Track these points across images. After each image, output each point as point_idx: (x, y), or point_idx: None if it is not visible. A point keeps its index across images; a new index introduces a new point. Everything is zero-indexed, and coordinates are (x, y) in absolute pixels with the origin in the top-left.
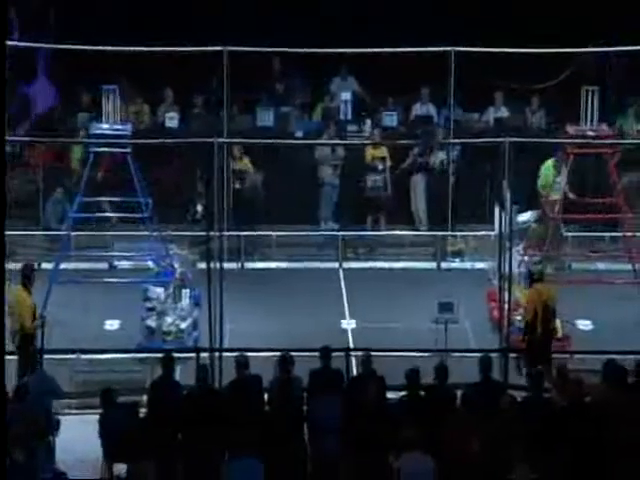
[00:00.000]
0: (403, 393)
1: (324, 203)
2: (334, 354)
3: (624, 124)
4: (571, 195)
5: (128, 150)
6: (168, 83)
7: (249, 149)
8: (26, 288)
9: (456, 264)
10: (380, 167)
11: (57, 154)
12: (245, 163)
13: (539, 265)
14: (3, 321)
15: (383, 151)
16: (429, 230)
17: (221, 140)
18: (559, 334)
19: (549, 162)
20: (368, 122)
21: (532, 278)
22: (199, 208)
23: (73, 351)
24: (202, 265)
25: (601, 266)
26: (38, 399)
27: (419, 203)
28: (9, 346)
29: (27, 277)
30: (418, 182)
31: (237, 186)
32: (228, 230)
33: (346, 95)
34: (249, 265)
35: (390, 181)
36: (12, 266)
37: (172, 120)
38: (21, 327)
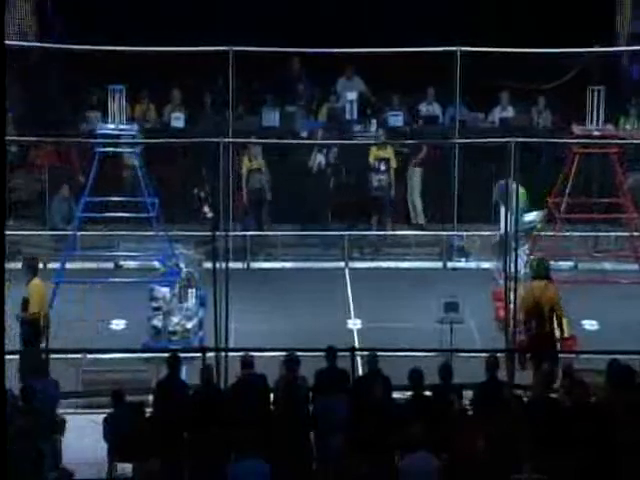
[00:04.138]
0: (409, 393)
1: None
2: (340, 354)
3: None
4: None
5: (134, 150)
6: (174, 83)
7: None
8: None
9: (462, 264)
10: (383, 168)
11: (62, 154)
12: (261, 163)
13: (535, 262)
14: (3, 321)
15: (388, 152)
16: (429, 227)
17: (227, 140)
18: (561, 335)
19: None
20: (374, 122)
21: (532, 275)
22: (206, 208)
23: (79, 351)
24: (208, 265)
25: (607, 266)
26: (44, 400)
27: (415, 197)
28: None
29: (36, 269)
30: (413, 176)
31: (257, 186)
32: (234, 230)
33: (352, 95)
34: (255, 265)
35: (394, 182)
36: (13, 265)
37: (178, 120)
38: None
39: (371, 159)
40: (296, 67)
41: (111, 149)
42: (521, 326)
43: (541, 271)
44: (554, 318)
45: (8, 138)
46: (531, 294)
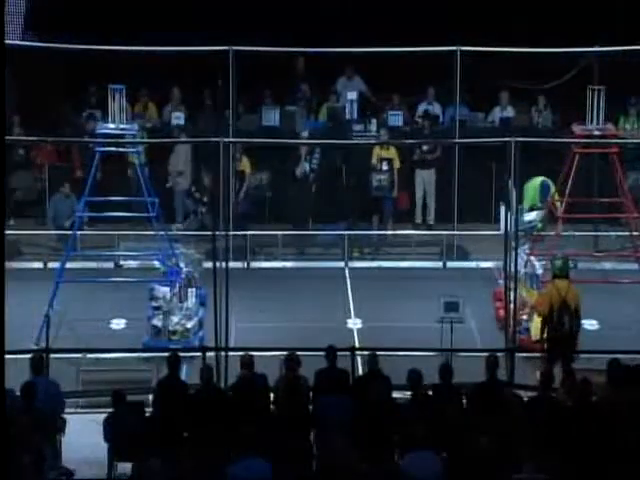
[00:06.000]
0: (409, 393)
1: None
2: (340, 354)
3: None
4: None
5: (134, 149)
6: (174, 83)
7: (255, 148)
8: None
9: (462, 263)
10: (385, 167)
11: (62, 153)
12: (244, 164)
13: (559, 261)
14: (3, 321)
15: (391, 152)
16: (434, 229)
17: (227, 140)
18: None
19: (537, 181)
20: (374, 122)
21: (553, 274)
22: (203, 209)
23: (79, 350)
24: (208, 264)
25: (607, 266)
26: (45, 400)
27: (429, 198)
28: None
29: None
30: (426, 176)
31: (256, 185)
32: (234, 229)
33: (352, 95)
34: (255, 264)
35: (397, 181)
36: (14, 265)
37: (178, 119)
38: None
39: (374, 159)
40: (300, 67)
41: (111, 149)
42: (522, 324)
43: (565, 270)
44: (575, 317)
45: (10, 138)
46: (557, 293)
